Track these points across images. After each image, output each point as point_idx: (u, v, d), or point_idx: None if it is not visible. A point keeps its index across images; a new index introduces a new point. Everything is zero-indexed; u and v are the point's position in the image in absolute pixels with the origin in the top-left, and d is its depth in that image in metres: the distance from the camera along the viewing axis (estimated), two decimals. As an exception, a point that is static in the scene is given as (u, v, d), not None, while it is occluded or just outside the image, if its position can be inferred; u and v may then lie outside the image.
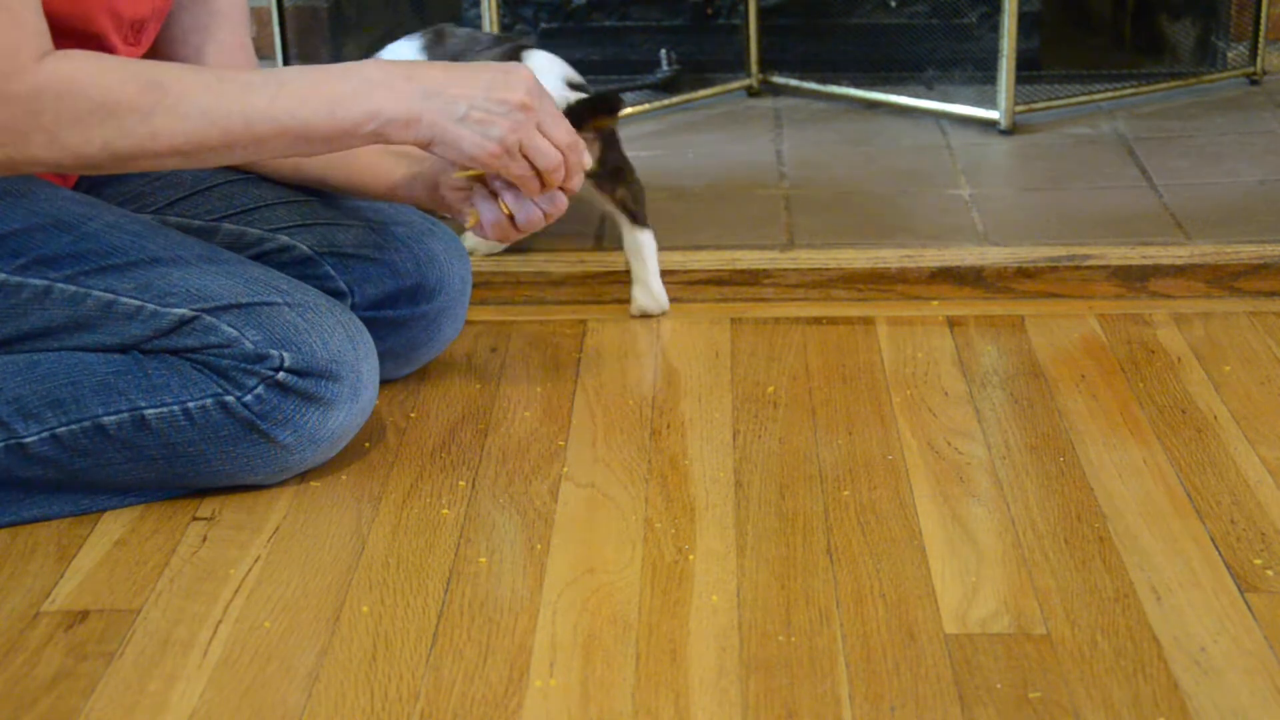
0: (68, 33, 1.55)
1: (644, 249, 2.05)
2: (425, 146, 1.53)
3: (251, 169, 1.81)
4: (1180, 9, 2.98)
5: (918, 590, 1.46)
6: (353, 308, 1.77)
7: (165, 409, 1.58)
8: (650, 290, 2.05)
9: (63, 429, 1.58)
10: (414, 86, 1.50)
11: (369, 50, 3.01)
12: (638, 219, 2.05)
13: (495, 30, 2.55)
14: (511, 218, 1.62)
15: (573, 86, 2.07)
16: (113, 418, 1.58)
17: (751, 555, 1.52)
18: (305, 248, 1.77)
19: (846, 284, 2.10)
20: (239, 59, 1.77)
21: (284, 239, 1.77)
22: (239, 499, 1.63)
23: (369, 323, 1.73)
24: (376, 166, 1.74)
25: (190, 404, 1.59)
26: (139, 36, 1.66)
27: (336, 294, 1.76)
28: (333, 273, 1.77)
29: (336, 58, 2.91)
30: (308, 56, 2.88)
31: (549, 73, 2.06)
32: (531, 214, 1.61)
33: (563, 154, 1.56)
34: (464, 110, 1.51)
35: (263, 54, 2.89)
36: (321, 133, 1.50)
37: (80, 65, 1.46)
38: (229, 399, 1.59)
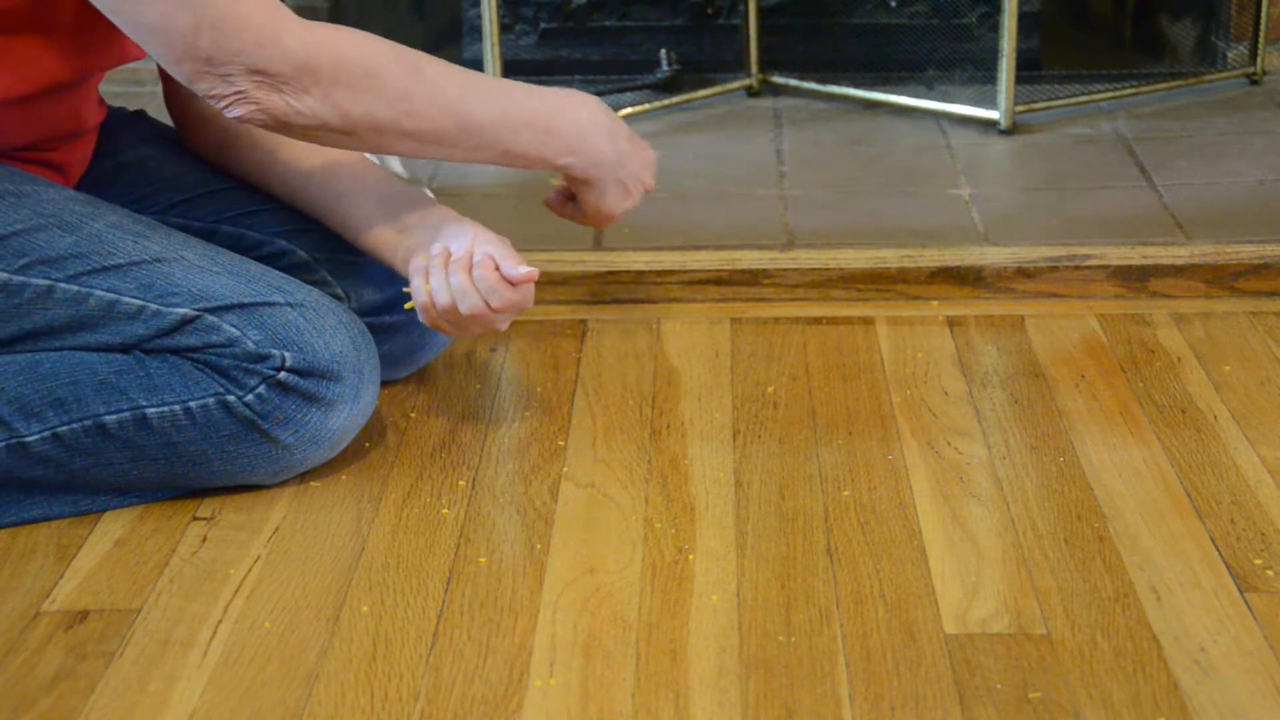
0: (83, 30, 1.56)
1: None
2: (576, 179, 1.71)
3: (250, 182, 1.81)
4: (1180, 9, 2.98)
5: (918, 590, 1.46)
6: (350, 311, 1.77)
7: (166, 408, 1.58)
8: None
9: (64, 428, 1.58)
10: (608, 148, 1.69)
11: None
12: None
13: (496, 31, 2.55)
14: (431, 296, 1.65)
15: None
16: (114, 417, 1.58)
17: (751, 555, 1.52)
18: (303, 253, 1.77)
19: (846, 284, 2.10)
20: None
21: (282, 244, 1.77)
22: (239, 499, 1.63)
23: (368, 329, 1.73)
24: (373, 232, 1.74)
25: (191, 403, 1.59)
26: None
27: (334, 299, 1.76)
28: (330, 278, 1.77)
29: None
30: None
31: None
32: (443, 300, 1.62)
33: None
34: (624, 176, 1.72)
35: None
36: (522, 159, 1.67)
37: (346, 34, 1.57)
38: (230, 398, 1.59)
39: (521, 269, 1.63)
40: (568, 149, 1.67)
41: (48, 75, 1.61)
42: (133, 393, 1.58)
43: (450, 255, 1.63)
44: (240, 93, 1.52)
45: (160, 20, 1.50)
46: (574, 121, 1.67)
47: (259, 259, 1.75)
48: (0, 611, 1.46)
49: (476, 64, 2.69)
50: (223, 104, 1.54)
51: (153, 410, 1.58)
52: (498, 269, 1.63)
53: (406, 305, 1.68)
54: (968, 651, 1.37)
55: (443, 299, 1.62)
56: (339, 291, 1.77)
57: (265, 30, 1.51)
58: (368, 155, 1.79)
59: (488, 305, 1.62)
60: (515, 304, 1.64)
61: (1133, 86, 2.78)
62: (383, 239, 1.71)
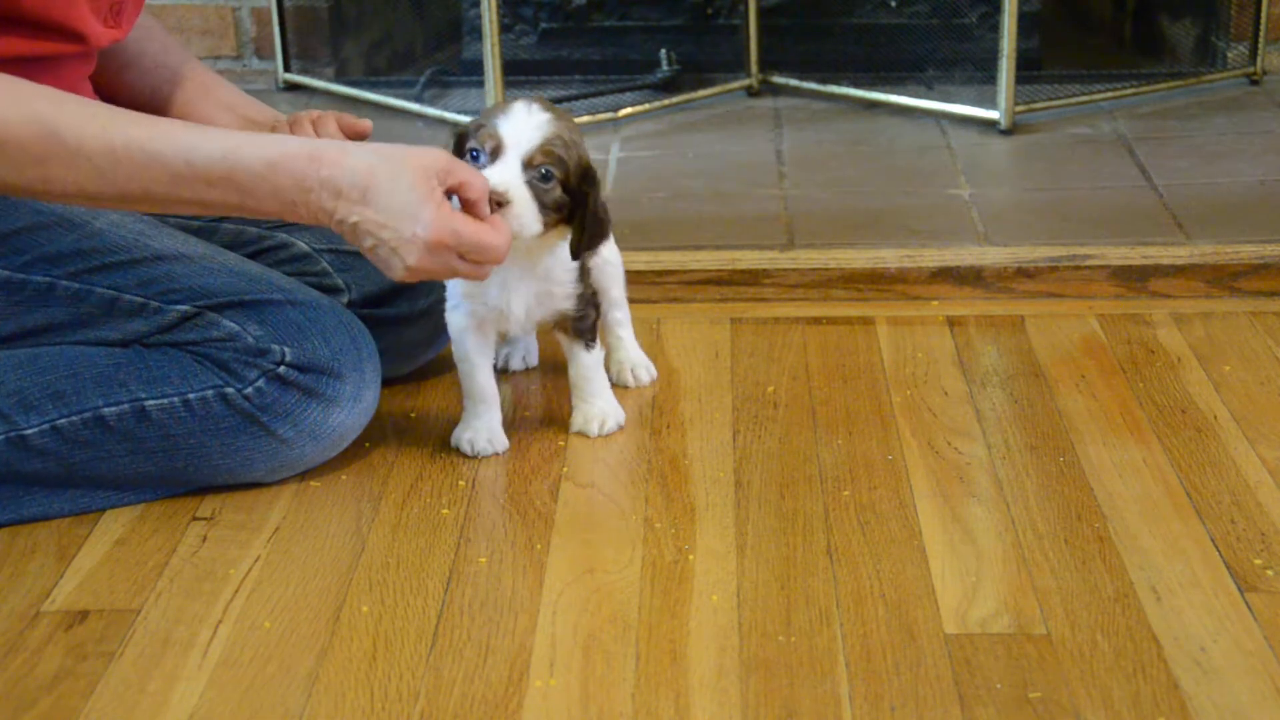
0: (46, 23, 1.54)
1: (596, 370, 1.76)
2: None
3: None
4: (1180, 9, 2.98)
5: (918, 590, 1.46)
6: (350, 304, 1.77)
7: (165, 400, 1.58)
8: (605, 404, 1.76)
9: (63, 420, 1.58)
10: (330, 216, 1.48)
11: (369, 51, 3.01)
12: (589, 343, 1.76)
13: (496, 31, 2.55)
14: None
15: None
16: (113, 409, 1.58)
17: (751, 555, 1.52)
18: (303, 244, 1.77)
19: (846, 284, 2.10)
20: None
21: (282, 236, 1.77)
22: (239, 499, 1.63)
23: (369, 322, 1.73)
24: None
25: (190, 395, 1.59)
26: (118, 19, 1.66)
27: (334, 290, 1.76)
28: (330, 269, 1.77)
29: (337, 57, 2.91)
30: (308, 56, 2.88)
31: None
32: None
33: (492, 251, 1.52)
34: (369, 244, 1.50)
35: (263, 54, 2.90)
36: (246, 215, 1.50)
37: None
38: (229, 391, 1.59)
39: None
40: (284, 208, 1.48)
41: (12, 50, 1.58)
42: (132, 385, 1.59)
43: None
44: None
45: None
46: (274, 184, 1.46)
47: (260, 252, 1.75)
48: (0, 611, 1.46)
49: (476, 64, 2.69)
50: None
51: (152, 403, 1.58)
52: None
53: None
54: (968, 651, 1.37)
55: None
56: (338, 282, 1.77)
57: None
58: None
59: None
60: None
61: (1133, 86, 2.78)
62: None
